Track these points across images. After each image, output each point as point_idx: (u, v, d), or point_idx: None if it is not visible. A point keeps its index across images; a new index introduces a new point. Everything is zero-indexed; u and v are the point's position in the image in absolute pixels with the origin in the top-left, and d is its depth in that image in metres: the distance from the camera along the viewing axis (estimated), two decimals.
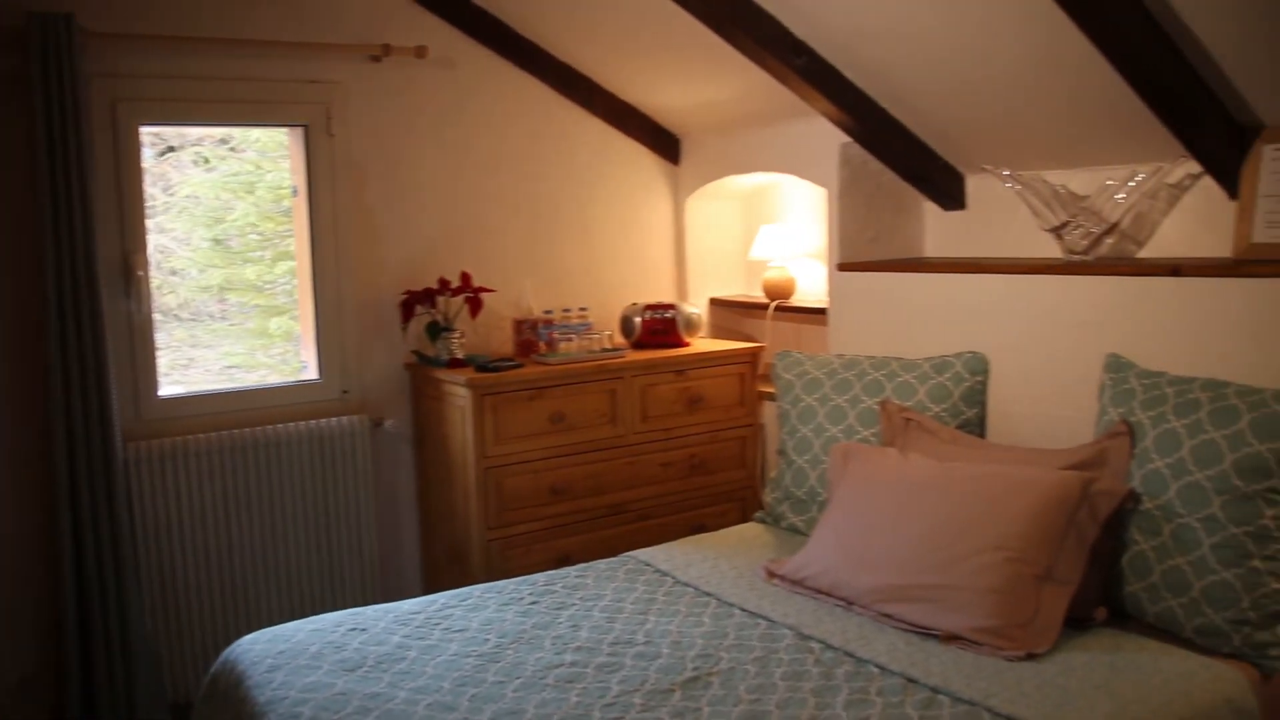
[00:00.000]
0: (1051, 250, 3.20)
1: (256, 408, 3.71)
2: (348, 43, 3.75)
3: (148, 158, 3.59)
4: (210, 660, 3.30)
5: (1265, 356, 2.58)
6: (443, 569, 3.90)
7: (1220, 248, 2.84)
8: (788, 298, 4.22)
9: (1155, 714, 2.07)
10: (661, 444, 3.96)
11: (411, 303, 3.82)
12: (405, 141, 3.92)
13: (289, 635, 2.58)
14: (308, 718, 2.16)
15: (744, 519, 3.85)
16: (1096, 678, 2.21)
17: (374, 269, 3.90)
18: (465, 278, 3.86)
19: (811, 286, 4.24)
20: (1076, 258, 3.08)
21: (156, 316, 3.60)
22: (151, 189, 3.66)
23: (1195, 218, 2.94)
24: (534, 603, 2.75)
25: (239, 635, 3.03)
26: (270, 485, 3.65)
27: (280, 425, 3.67)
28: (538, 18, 3.93)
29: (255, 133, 3.88)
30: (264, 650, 2.50)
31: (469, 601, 2.78)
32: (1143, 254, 3.06)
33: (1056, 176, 3.16)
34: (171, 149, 3.83)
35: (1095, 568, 2.48)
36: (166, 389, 3.63)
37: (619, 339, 4.22)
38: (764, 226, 4.35)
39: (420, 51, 3.82)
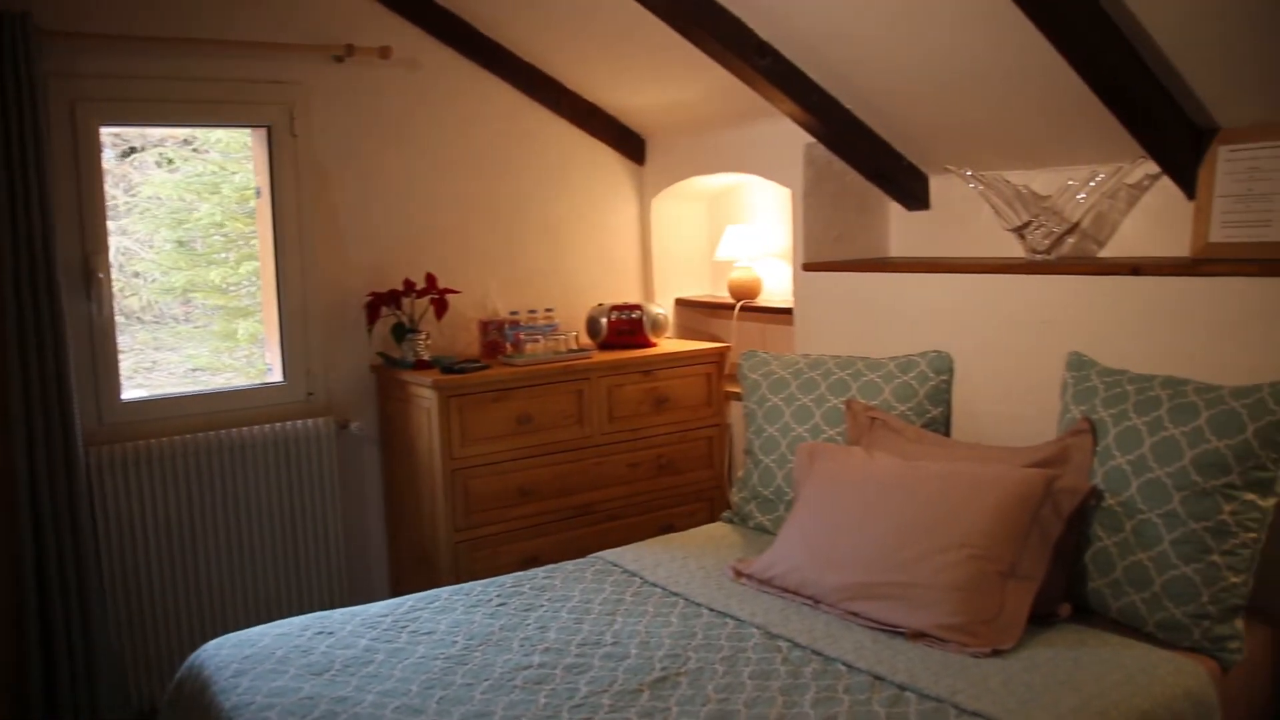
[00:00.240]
0: (1014, 250, 3.23)
1: (221, 411, 3.68)
2: (311, 43, 3.72)
3: (109, 158, 3.56)
4: (176, 665, 3.27)
5: (1223, 354, 2.63)
6: (410, 571, 3.88)
7: (1178, 247, 2.89)
8: (753, 298, 4.23)
9: (1117, 708, 2.10)
10: (629, 444, 3.97)
11: (377, 304, 3.80)
12: (369, 142, 3.90)
13: (255, 639, 2.56)
14: None
15: (712, 519, 3.86)
16: (1061, 673, 2.23)
17: (339, 270, 3.87)
18: (430, 279, 3.85)
19: (777, 286, 4.26)
20: (1039, 257, 3.11)
21: (119, 319, 3.56)
22: (113, 190, 3.62)
23: (1154, 217, 2.98)
24: (502, 604, 2.75)
25: (205, 640, 3.01)
26: (235, 488, 3.62)
27: (245, 428, 3.64)
28: (502, 18, 3.92)
29: (218, 133, 3.85)
30: (230, 655, 2.48)
31: (437, 604, 2.77)
32: (1103, 253, 3.10)
33: (1018, 177, 3.20)
34: (134, 150, 3.79)
35: (1059, 564, 2.51)
36: (130, 392, 3.59)
37: (585, 340, 4.21)
38: (729, 227, 4.36)
39: (384, 52, 3.80)
